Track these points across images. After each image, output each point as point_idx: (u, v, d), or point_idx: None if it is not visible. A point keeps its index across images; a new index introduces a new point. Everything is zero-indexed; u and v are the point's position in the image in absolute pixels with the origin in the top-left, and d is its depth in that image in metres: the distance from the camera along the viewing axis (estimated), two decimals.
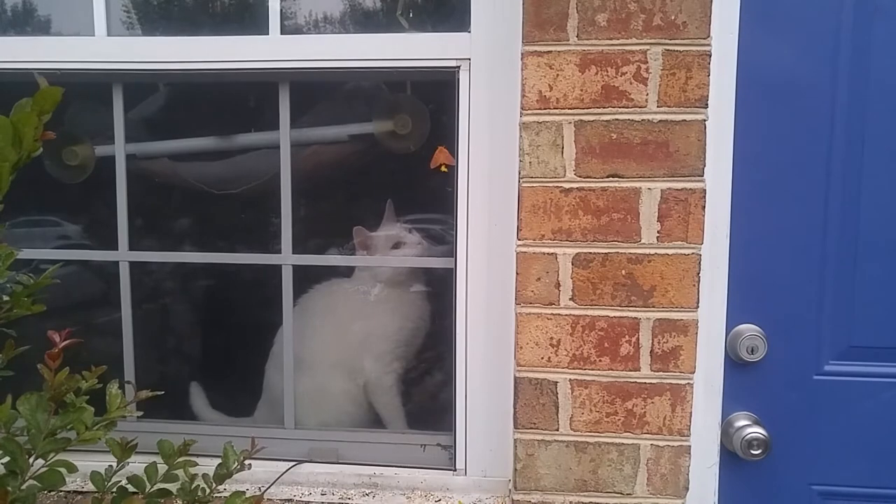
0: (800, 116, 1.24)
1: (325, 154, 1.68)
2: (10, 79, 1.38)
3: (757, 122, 1.23)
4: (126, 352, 1.51)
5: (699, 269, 1.19)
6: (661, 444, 1.22)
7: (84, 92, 1.55)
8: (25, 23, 1.55)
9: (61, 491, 1.35)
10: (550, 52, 1.19)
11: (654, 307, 1.20)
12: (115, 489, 1.09)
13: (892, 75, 1.22)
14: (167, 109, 1.75)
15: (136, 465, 1.11)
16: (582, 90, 1.18)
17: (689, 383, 1.21)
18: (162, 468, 1.12)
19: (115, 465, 1.09)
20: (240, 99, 1.72)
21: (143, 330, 1.55)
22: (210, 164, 1.76)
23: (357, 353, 1.69)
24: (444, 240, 1.61)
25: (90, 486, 1.13)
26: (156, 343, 1.90)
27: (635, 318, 1.21)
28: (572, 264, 1.21)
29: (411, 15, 1.51)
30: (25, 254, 1.49)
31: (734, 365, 1.27)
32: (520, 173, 1.21)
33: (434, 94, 1.49)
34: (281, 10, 1.36)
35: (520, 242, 1.22)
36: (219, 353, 1.96)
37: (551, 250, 1.21)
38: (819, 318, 1.27)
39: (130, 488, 1.10)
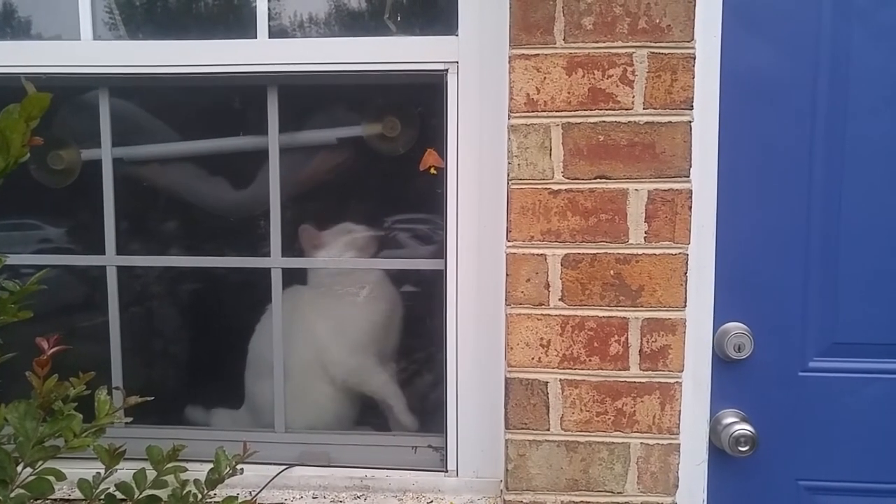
0: (782, 117, 1.26)
1: (318, 159, 1.68)
2: None
3: (741, 122, 1.25)
4: (114, 357, 1.50)
5: (686, 269, 1.21)
6: (651, 442, 1.23)
7: (70, 96, 1.54)
8: (9, 26, 1.53)
9: (48, 499, 1.34)
10: (538, 55, 1.20)
11: (642, 307, 1.21)
12: (103, 496, 1.08)
13: (871, 75, 1.24)
14: (156, 113, 1.73)
15: (125, 471, 1.10)
16: (569, 93, 1.19)
17: (677, 382, 1.22)
18: (151, 474, 1.11)
19: (103, 471, 1.08)
20: (229, 103, 1.72)
21: (129, 335, 1.54)
22: (232, 193, 1.76)
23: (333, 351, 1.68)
24: (432, 241, 1.62)
25: (77, 494, 1.12)
26: (141, 348, 1.89)
27: (624, 317, 1.22)
28: (561, 265, 1.22)
29: (399, 18, 1.51)
30: (11, 259, 1.47)
31: (721, 363, 1.29)
32: (508, 175, 1.22)
33: (423, 97, 1.49)
34: (268, 14, 1.36)
35: (509, 244, 1.23)
36: (207, 356, 1.95)
37: (540, 251, 1.22)
38: (803, 316, 1.29)
39: (119, 495, 1.09)
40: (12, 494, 0.87)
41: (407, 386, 1.74)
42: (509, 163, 1.22)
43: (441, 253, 1.38)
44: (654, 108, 1.19)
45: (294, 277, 1.62)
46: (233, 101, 1.70)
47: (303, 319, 1.65)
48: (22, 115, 0.75)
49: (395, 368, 1.74)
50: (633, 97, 1.19)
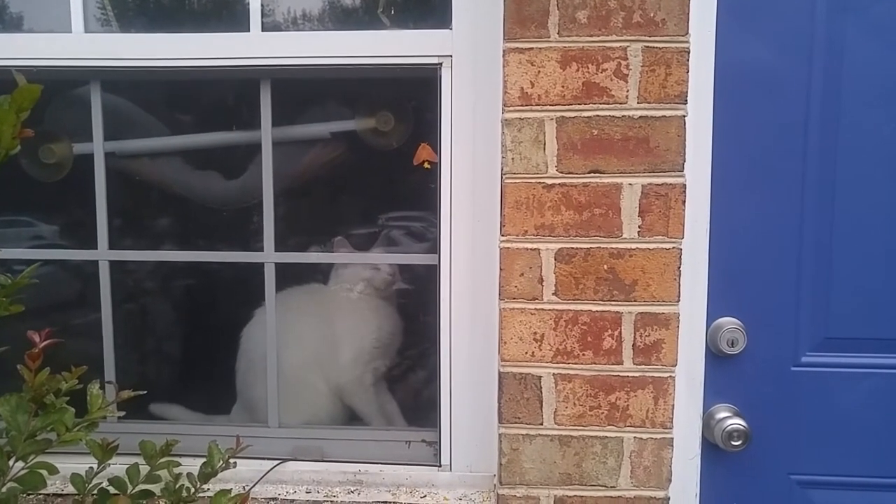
0: (776, 111, 1.26)
1: (311, 153, 1.68)
2: None
3: (735, 117, 1.25)
4: (106, 352, 1.49)
5: (680, 263, 1.21)
6: (645, 436, 1.24)
7: (61, 89, 1.53)
8: None
9: (40, 494, 1.33)
10: (532, 48, 1.19)
11: (635, 301, 1.21)
12: (95, 491, 1.08)
13: (865, 69, 1.24)
14: (149, 107, 1.73)
15: (118, 466, 1.10)
16: (563, 87, 1.19)
17: (671, 376, 1.23)
18: (144, 469, 1.11)
19: (95, 466, 1.08)
20: (221, 97, 1.71)
21: (121, 330, 1.53)
22: (225, 186, 1.76)
23: (330, 354, 1.69)
24: (425, 236, 1.62)
25: (70, 489, 1.12)
26: (133, 343, 1.88)
27: (617, 312, 1.22)
28: (555, 259, 1.22)
29: (393, 12, 1.51)
30: (3, 254, 1.46)
31: (714, 357, 1.29)
32: (502, 169, 1.22)
33: (416, 91, 1.49)
34: (261, 7, 1.36)
35: (503, 238, 1.23)
36: (199, 352, 1.95)
37: (534, 246, 1.22)
38: (796, 311, 1.29)
39: (112, 490, 1.09)
40: (4, 489, 0.86)
41: (401, 381, 1.75)
42: (503, 157, 1.22)
43: (435, 248, 1.37)
44: (649, 103, 1.19)
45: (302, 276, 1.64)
46: (226, 94, 1.70)
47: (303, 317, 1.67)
48: (12, 107, 0.75)
49: (389, 364, 1.74)
50: (628, 91, 1.19)
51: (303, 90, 1.59)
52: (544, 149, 1.20)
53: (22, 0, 1.50)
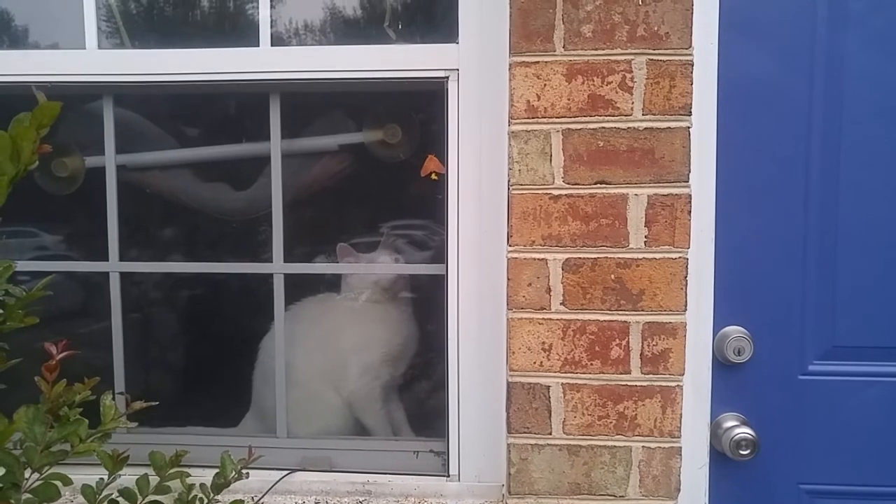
0: (778, 122, 1.27)
1: (319, 165, 1.70)
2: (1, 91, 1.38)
3: (738, 128, 1.26)
4: (116, 363, 1.50)
5: (686, 273, 1.22)
6: (653, 445, 1.24)
7: (74, 104, 1.55)
8: (16, 37, 1.55)
9: None
10: (538, 62, 1.21)
11: (643, 311, 1.22)
12: (106, 502, 1.08)
13: (865, 81, 1.25)
14: (160, 121, 1.75)
15: (128, 477, 1.11)
16: (569, 99, 1.21)
17: (678, 385, 1.23)
18: (154, 480, 1.12)
19: (105, 477, 1.09)
20: (232, 110, 1.73)
21: (130, 340, 1.54)
22: (234, 195, 1.78)
23: (340, 365, 1.70)
24: (433, 246, 1.63)
25: (80, 500, 1.12)
26: (141, 354, 1.89)
27: (625, 321, 1.23)
28: (562, 269, 1.23)
29: (399, 26, 1.53)
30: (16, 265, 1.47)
31: (721, 366, 1.30)
32: (509, 181, 1.23)
33: (423, 104, 1.51)
34: (271, 23, 1.38)
35: (510, 248, 1.24)
36: (209, 363, 1.95)
37: (542, 256, 1.23)
38: (803, 319, 1.29)
39: (122, 501, 1.09)
40: (21, 501, 0.87)
41: (408, 390, 1.75)
42: (510, 168, 1.23)
43: (442, 258, 1.39)
44: (653, 114, 1.20)
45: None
46: (235, 107, 1.72)
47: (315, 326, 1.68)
48: (33, 124, 0.76)
49: (397, 372, 1.75)
50: (633, 103, 1.20)
51: (311, 103, 1.60)
52: (551, 160, 1.22)
53: (37, 18, 1.53)
